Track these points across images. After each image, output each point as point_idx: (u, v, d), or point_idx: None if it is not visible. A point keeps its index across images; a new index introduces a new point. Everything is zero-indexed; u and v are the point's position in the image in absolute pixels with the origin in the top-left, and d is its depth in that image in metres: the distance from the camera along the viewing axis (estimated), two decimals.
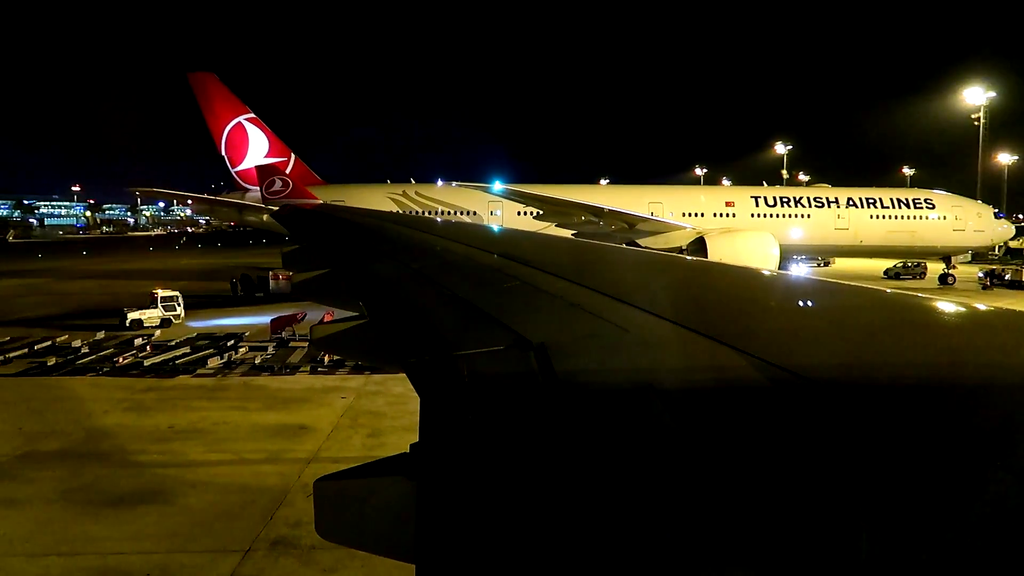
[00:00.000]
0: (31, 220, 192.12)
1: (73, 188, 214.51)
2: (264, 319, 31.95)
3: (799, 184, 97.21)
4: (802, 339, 2.61)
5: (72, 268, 67.72)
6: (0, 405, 20.62)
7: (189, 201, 65.62)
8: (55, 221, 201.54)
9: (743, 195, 49.93)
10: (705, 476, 1.46)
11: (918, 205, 48.26)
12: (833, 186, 56.05)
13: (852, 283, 3.58)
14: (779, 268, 38.80)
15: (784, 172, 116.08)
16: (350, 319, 4.30)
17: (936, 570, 1.13)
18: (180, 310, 34.46)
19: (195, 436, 17.73)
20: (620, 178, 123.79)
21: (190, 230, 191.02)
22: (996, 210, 53.71)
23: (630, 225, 44.59)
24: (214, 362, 25.47)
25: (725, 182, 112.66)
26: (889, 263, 55.05)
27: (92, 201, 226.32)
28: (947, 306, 3.06)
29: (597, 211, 44.06)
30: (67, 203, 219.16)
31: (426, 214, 46.92)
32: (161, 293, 34.15)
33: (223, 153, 51.94)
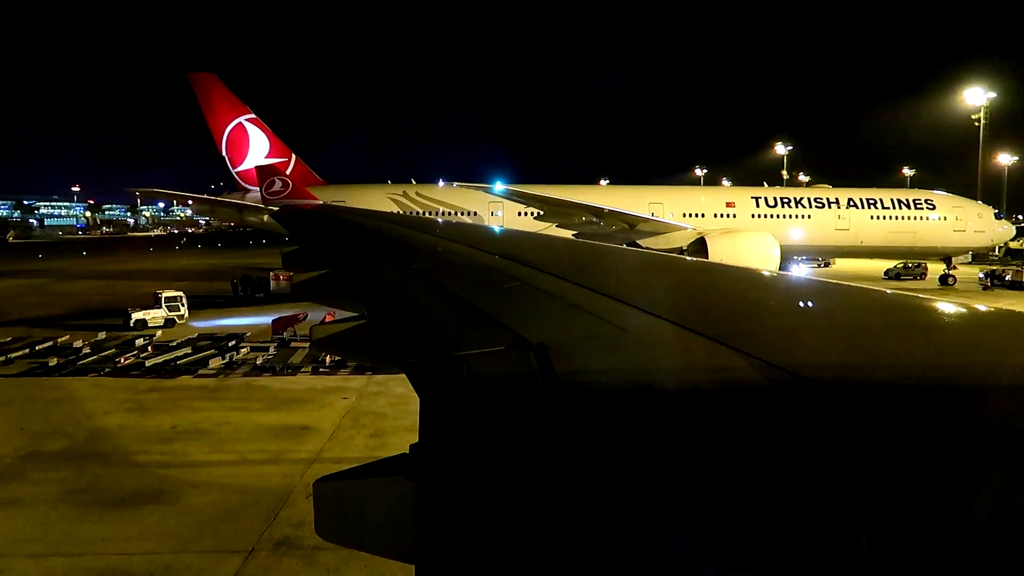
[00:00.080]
0: (31, 220, 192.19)
1: (73, 188, 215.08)
2: (265, 319, 31.96)
3: (799, 185, 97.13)
4: (802, 340, 2.61)
5: (72, 268, 67.74)
6: (2, 405, 20.64)
7: (189, 201, 65.66)
8: (55, 221, 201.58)
9: (744, 196, 49.90)
10: (705, 476, 1.47)
11: (919, 206, 48.22)
12: (833, 187, 55.99)
13: (852, 284, 3.58)
14: (780, 269, 38.79)
15: (784, 173, 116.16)
16: (350, 319, 4.30)
17: (936, 570, 1.13)
18: (184, 310, 34.54)
19: (197, 436, 17.73)
20: (620, 178, 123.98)
21: (190, 230, 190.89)
22: (996, 211, 53.64)
23: (631, 226, 44.59)
24: (216, 362, 25.48)
25: (725, 182, 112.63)
26: (889, 264, 55.03)
27: (92, 201, 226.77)
28: (947, 307, 3.06)
29: (598, 212, 44.04)
30: (67, 203, 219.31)
31: (427, 215, 46.92)
32: (165, 293, 34.28)
33: (223, 153, 51.95)
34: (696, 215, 47.50)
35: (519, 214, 46.41)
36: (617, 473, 1.52)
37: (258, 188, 43.19)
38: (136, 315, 32.59)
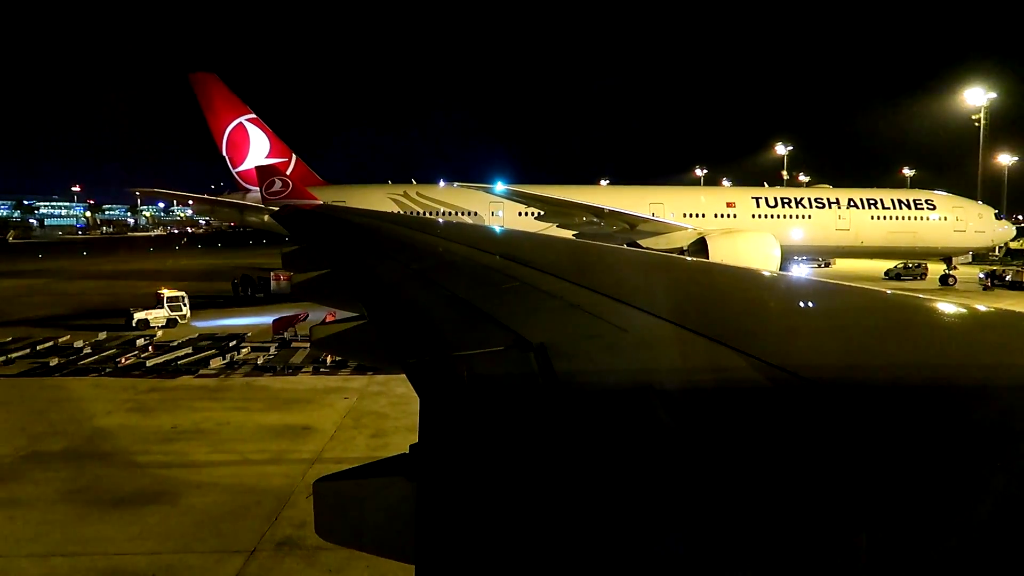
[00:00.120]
0: (31, 220, 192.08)
1: (73, 188, 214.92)
2: (266, 319, 31.96)
3: (800, 185, 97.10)
4: (802, 340, 2.61)
5: (72, 268, 67.70)
6: (3, 405, 20.64)
7: (190, 201, 65.68)
8: (55, 221, 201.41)
9: (744, 196, 49.88)
10: (705, 477, 1.47)
11: (919, 206, 48.20)
12: (834, 187, 55.98)
13: (852, 284, 3.59)
14: (780, 269, 38.78)
15: (784, 173, 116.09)
16: (351, 320, 4.30)
17: (936, 570, 1.13)
18: (186, 310, 34.58)
19: (198, 437, 17.74)
20: (621, 179, 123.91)
21: (190, 230, 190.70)
22: (996, 211, 53.65)
23: (631, 226, 44.57)
24: (216, 362, 25.49)
25: (725, 183, 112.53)
26: (890, 264, 55.01)
27: (92, 201, 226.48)
28: (948, 307, 3.06)
29: (598, 212, 44.03)
30: (67, 203, 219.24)
31: (427, 215, 46.91)
32: (167, 293, 34.32)
33: (224, 153, 51.95)
34: (696, 215, 47.49)
35: (519, 214, 46.39)
36: (617, 473, 1.52)
37: (258, 188, 43.19)
38: (138, 315, 32.63)
